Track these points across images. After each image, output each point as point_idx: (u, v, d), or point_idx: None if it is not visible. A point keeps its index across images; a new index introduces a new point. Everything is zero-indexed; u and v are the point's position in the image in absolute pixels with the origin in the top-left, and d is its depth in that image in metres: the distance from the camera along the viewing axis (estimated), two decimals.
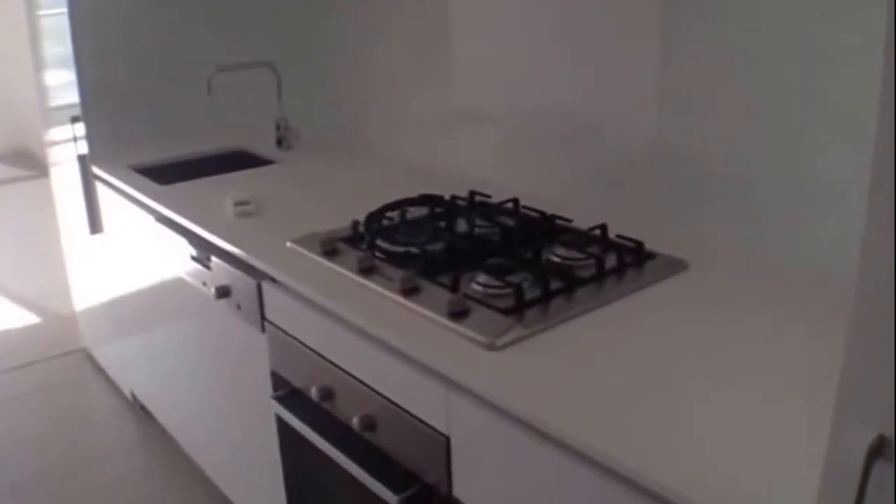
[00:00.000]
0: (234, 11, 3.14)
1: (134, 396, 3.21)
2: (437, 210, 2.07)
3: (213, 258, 2.12)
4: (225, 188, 2.45)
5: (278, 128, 2.98)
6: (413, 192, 2.15)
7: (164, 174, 2.73)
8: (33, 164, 6.58)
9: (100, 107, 2.96)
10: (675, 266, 1.75)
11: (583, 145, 2.12)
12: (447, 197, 2.13)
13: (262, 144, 3.04)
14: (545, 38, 2.16)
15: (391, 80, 2.79)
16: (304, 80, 3.12)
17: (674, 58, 1.85)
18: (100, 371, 3.56)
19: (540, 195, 2.18)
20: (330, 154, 2.91)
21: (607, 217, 1.93)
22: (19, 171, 6.57)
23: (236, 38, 3.14)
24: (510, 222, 1.96)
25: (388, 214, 2.01)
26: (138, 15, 2.96)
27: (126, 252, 2.82)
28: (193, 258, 2.24)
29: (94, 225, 3.08)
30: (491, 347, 1.41)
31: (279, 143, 2.99)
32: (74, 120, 2.98)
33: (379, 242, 1.85)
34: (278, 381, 1.95)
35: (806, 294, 1.60)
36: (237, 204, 2.21)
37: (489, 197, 2.16)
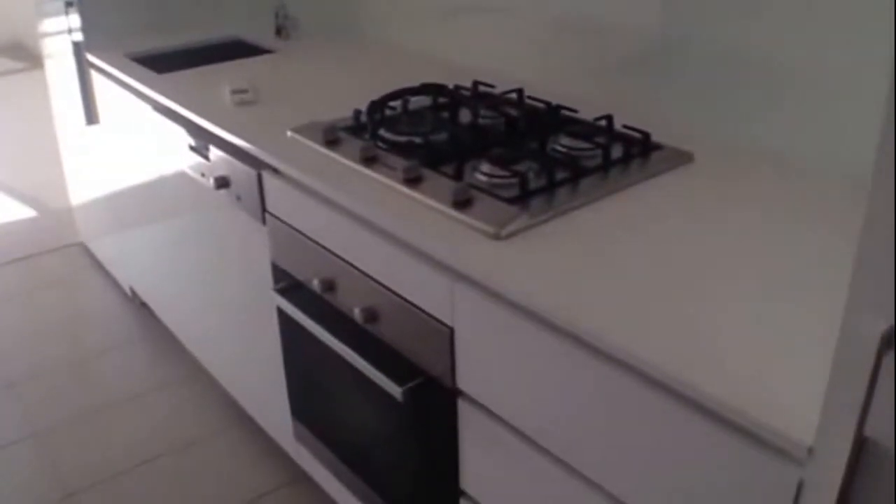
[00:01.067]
0: None
1: (133, 292, 3.20)
2: (441, 100, 2.03)
3: (212, 148, 2.08)
4: (223, 77, 2.39)
5: (277, 16, 2.91)
6: (415, 81, 2.10)
7: (161, 63, 2.67)
8: (27, 56, 6.47)
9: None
10: (681, 158, 1.71)
11: (589, 36, 2.06)
12: (450, 86, 2.08)
13: (261, 33, 2.97)
14: None
15: None
16: None
17: None
18: (98, 266, 3.55)
19: (545, 87, 2.13)
20: (331, 43, 2.84)
21: (614, 109, 1.89)
22: (12, 64, 6.47)
23: None
24: (515, 112, 1.92)
25: (391, 104, 1.96)
26: None
27: (123, 143, 2.78)
28: (192, 148, 2.20)
29: (91, 116, 3.03)
30: (496, 237, 1.39)
31: (278, 32, 2.92)
32: (69, 6, 2.91)
33: (381, 132, 1.82)
34: (279, 274, 1.94)
35: (815, 187, 1.58)
36: (235, 92, 2.16)
37: (493, 87, 2.11)
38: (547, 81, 2.17)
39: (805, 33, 1.62)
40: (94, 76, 2.87)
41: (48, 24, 3.25)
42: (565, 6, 2.10)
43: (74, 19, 2.89)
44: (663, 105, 1.92)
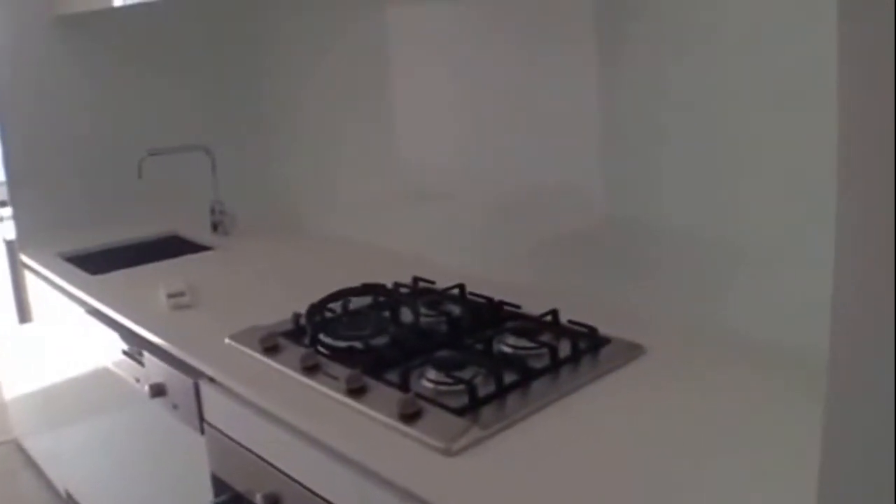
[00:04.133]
0: (166, 93, 3.08)
1: (69, 494, 3.04)
2: (381, 299, 2.00)
3: (147, 354, 2.02)
4: (159, 277, 2.35)
5: (213, 212, 2.90)
6: (355, 277, 2.08)
7: (95, 262, 2.63)
8: None
9: (28, 190, 2.86)
10: (632, 351, 1.69)
11: (530, 219, 2.07)
12: (390, 285, 2.06)
13: (198, 230, 2.96)
14: (490, 111, 2.12)
15: (328, 160, 2.73)
16: (239, 162, 3.06)
17: (620, 128, 1.83)
18: (32, 464, 3.39)
19: (488, 275, 2.13)
20: (268, 239, 2.83)
21: (560, 298, 1.88)
22: None
23: (169, 121, 3.08)
24: (457, 311, 1.90)
25: (330, 306, 1.93)
26: (68, 96, 2.89)
27: (57, 342, 2.69)
28: (126, 353, 2.13)
29: (23, 314, 2.95)
30: (447, 453, 1.33)
31: (214, 227, 2.91)
32: (0, 204, 2.87)
33: (321, 337, 1.78)
34: (220, 486, 1.84)
35: (767, 364, 1.56)
36: (171, 296, 2.12)
37: (433, 283, 2.10)
38: (490, 270, 2.17)
39: (755, 209, 1.63)
40: (27, 275, 2.81)
41: None
42: (507, 189, 2.11)
43: (6, 212, 2.85)
44: (610, 291, 1.91)
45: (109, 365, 2.26)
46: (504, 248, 2.16)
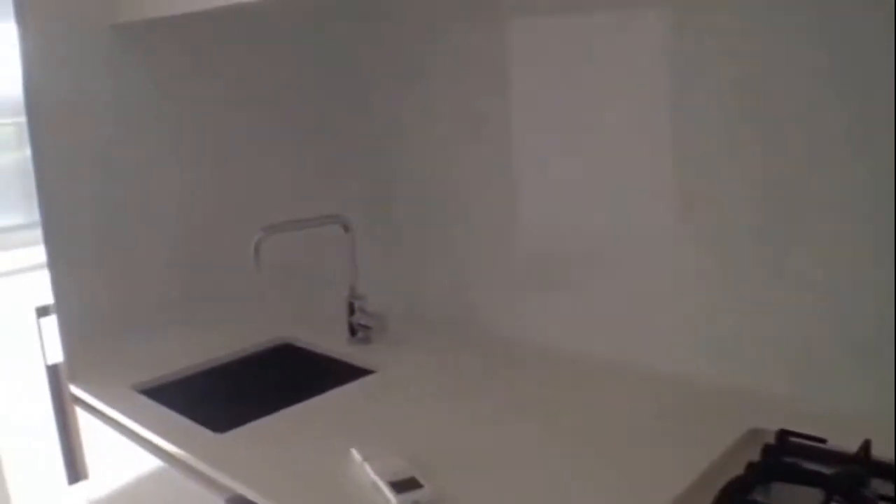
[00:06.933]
0: (278, 148, 2.20)
1: None
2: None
3: None
4: (330, 436, 1.46)
5: (352, 310, 2.00)
6: (629, 411, 1.20)
7: (189, 396, 1.74)
8: None
9: (79, 273, 1.93)
10: None
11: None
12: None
13: (319, 335, 2.05)
14: None
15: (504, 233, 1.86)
16: (378, 241, 2.17)
17: None
18: None
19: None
20: (433, 347, 1.93)
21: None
22: None
23: (277, 183, 2.20)
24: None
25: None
26: (138, 139, 1.98)
27: None
28: None
29: (74, 470, 2.01)
30: None
31: (353, 332, 2.00)
32: (42, 313, 1.95)
33: None
34: None
35: None
36: (396, 486, 1.20)
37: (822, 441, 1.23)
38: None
39: None
40: (79, 413, 1.89)
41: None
42: None
43: (49, 324, 1.92)
44: None
45: None
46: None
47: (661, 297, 1.65)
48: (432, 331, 2.04)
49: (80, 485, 2.00)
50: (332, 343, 1.99)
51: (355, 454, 1.30)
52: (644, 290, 1.68)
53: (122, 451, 1.70)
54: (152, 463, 1.57)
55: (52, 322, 1.92)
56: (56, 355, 1.93)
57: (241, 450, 1.43)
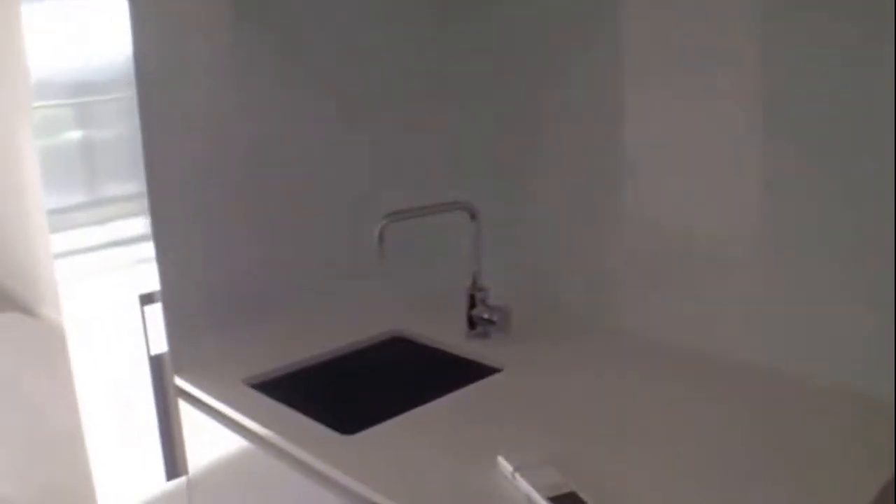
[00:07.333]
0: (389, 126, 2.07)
1: None
2: None
3: None
4: (466, 439, 1.32)
5: (473, 302, 1.86)
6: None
7: (302, 390, 1.64)
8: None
9: (189, 277, 1.83)
10: None
11: None
12: None
13: (434, 327, 1.91)
14: None
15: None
16: (503, 227, 2.03)
17: None
18: None
19: None
20: (567, 345, 1.78)
21: None
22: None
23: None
24: None
25: None
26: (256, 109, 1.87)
27: None
28: None
29: (174, 466, 1.92)
30: None
31: (472, 324, 1.86)
32: (145, 301, 1.85)
33: None
34: None
35: None
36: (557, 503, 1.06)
37: None
38: None
39: None
40: (182, 406, 1.79)
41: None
42: None
43: (154, 312, 1.83)
44: None
45: None
46: None
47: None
48: (557, 327, 1.89)
49: (179, 480, 1.89)
50: (448, 336, 1.86)
51: (504, 463, 1.16)
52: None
53: (228, 448, 1.58)
54: (266, 463, 1.45)
55: (156, 310, 1.82)
56: (160, 345, 1.83)
57: (374, 455, 1.30)
